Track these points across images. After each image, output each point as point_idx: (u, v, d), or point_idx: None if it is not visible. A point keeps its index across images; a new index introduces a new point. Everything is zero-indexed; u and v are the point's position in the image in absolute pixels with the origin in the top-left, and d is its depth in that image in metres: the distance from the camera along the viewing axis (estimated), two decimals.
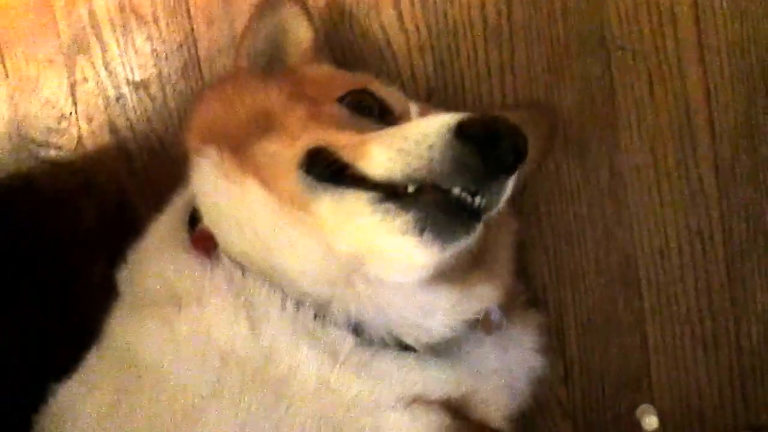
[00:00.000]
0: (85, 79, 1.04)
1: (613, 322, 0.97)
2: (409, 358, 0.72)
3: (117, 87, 1.04)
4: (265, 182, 0.73)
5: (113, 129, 1.05)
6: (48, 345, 0.94)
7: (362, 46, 0.99)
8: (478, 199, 0.63)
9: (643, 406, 0.99)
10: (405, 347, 0.73)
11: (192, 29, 1.01)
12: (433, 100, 0.96)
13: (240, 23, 0.98)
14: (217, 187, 0.76)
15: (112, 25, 1.02)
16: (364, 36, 0.99)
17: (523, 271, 0.96)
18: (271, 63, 0.92)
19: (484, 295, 0.76)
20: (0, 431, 0.79)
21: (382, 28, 0.98)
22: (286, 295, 0.70)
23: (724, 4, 0.92)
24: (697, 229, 0.93)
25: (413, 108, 0.81)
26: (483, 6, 0.96)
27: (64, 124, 1.06)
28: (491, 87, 0.98)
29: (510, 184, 0.65)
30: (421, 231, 0.63)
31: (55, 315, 1.03)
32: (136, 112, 1.04)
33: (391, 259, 0.67)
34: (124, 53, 1.03)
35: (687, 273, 0.94)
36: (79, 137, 1.06)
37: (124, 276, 0.84)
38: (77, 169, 1.07)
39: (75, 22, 1.03)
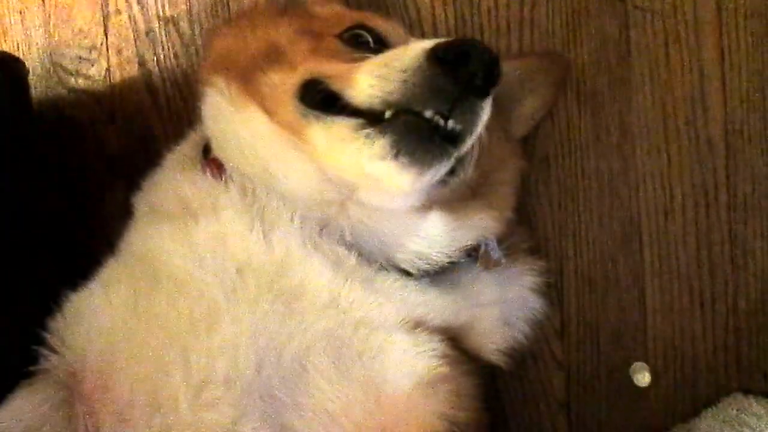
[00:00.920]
0: (118, 12, 1.08)
1: (612, 279, 0.99)
2: (410, 282, 0.75)
3: (148, 21, 1.08)
4: (267, 110, 0.77)
5: (141, 62, 1.09)
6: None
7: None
8: (451, 123, 0.65)
9: (637, 364, 1.01)
10: (405, 273, 0.76)
11: None
12: None
13: None
14: (223, 114, 0.80)
15: None
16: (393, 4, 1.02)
17: (527, 221, 0.99)
18: (288, 3, 0.94)
19: (482, 225, 0.79)
20: None
21: None
22: (293, 209, 0.74)
23: None
24: (702, 189, 0.95)
25: (412, 42, 0.84)
26: None
27: (94, 54, 1.10)
28: (509, 42, 1.00)
29: (485, 108, 0.67)
30: (396, 155, 0.65)
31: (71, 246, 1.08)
32: (164, 48, 1.08)
33: (375, 183, 0.70)
34: None
35: (689, 232, 0.96)
36: (108, 68, 1.10)
37: (139, 198, 0.88)
38: (104, 98, 1.11)
39: None
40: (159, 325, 0.72)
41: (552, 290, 0.98)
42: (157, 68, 1.08)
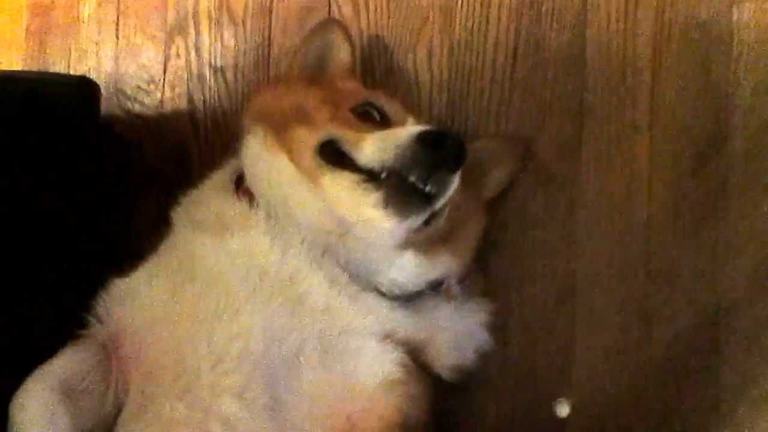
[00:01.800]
0: (178, 56, 1.33)
1: (547, 328, 1.18)
2: (386, 302, 0.96)
3: (200, 67, 1.33)
4: (292, 158, 0.97)
5: (190, 99, 1.33)
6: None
7: (397, 78, 1.25)
8: (428, 187, 0.87)
9: (560, 399, 1.21)
10: (383, 294, 0.97)
11: (269, 35, 1.30)
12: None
13: None
14: (259, 156, 1.00)
15: (209, 18, 1.32)
16: (399, 69, 1.25)
17: (485, 269, 1.18)
18: (315, 72, 1.16)
19: (446, 266, 1.01)
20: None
21: (414, 65, 1.24)
22: (304, 235, 0.95)
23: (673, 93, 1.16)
24: (627, 263, 1.15)
25: (410, 119, 1.04)
26: (494, 63, 1.22)
27: (151, 86, 1.34)
28: (488, 125, 1.22)
29: (454, 179, 0.88)
30: (385, 205, 0.86)
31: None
32: (210, 90, 1.32)
33: (368, 224, 0.90)
34: (212, 42, 1.32)
35: (614, 297, 1.16)
36: (161, 100, 1.34)
37: (178, 212, 1.06)
38: (153, 124, 1.34)
39: (181, 10, 1.32)
40: (191, 311, 0.90)
41: (497, 330, 1.14)
42: (202, 106, 1.32)
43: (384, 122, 1.02)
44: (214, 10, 1.31)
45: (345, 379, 0.90)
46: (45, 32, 1.34)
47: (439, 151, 0.86)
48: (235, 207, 0.99)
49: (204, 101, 1.32)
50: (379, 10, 1.26)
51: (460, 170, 0.89)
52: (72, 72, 1.34)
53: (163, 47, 1.33)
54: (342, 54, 1.16)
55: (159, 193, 1.28)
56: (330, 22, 1.19)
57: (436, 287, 1.01)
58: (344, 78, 1.14)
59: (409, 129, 0.91)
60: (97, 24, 1.34)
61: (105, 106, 1.32)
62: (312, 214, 0.95)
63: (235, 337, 0.88)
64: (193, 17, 1.32)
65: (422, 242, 0.96)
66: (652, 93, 1.16)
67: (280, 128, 1.00)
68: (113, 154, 1.30)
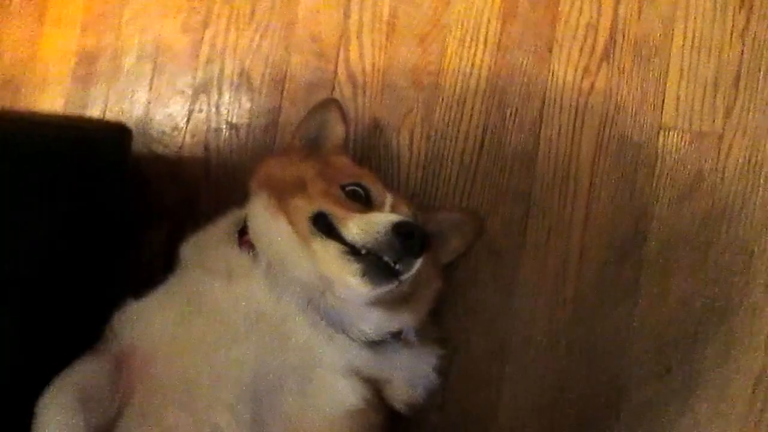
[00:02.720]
0: (200, 110, 1.50)
1: (482, 380, 1.35)
2: (355, 345, 1.09)
3: (218, 122, 1.48)
4: (290, 222, 1.08)
5: (206, 147, 1.48)
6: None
7: (382, 153, 1.42)
8: (398, 266, 1.01)
9: None
10: (353, 339, 1.09)
11: (280, 103, 1.46)
12: (414, 199, 1.37)
13: None
14: (263, 217, 1.12)
15: (231, 82, 1.48)
16: (386, 146, 1.41)
17: (439, 321, 1.37)
18: (314, 145, 1.27)
19: (406, 319, 1.14)
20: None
21: (398, 145, 1.41)
22: (296, 286, 1.07)
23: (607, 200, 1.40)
24: (555, 329, 1.36)
25: (388, 198, 1.16)
26: (463, 151, 1.41)
27: (174, 132, 1.52)
28: (454, 198, 1.40)
29: (418, 262, 1.03)
30: (363, 276, 1.00)
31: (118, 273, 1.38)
32: (224, 143, 1.48)
33: (346, 287, 1.04)
34: (231, 103, 1.48)
35: (540, 357, 1.35)
36: (182, 145, 1.50)
37: (187, 250, 1.18)
38: (171, 165, 1.51)
39: (209, 73, 1.49)
40: (197, 337, 1.04)
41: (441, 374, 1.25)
42: (215, 155, 1.48)
43: (368, 202, 1.15)
44: (236, 76, 1.47)
45: (316, 406, 1.03)
46: (88, 76, 1.52)
47: (409, 240, 1.02)
48: (240, 257, 1.12)
49: (218, 151, 1.47)
50: (373, 95, 1.43)
51: (422, 256, 1.04)
52: (108, 113, 1.51)
53: (188, 101, 1.48)
54: (337, 131, 1.29)
55: (169, 227, 1.44)
56: (329, 102, 1.32)
57: (396, 335, 1.14)
58: (338, 153, 1.27)
59: (388, 217, 1.05)
60: (135, 75, 1.50)
61: (133, 144, 1.49)
62: (303, 271, 1.07)
63: (233, 362, 1.02)
64: (218, 80, 1.48)
65: (388, 301, 1.09)
66: (588, 194, 1.40)
67: (281, 195, 1.12)
68: (135, 189, 1.47)
